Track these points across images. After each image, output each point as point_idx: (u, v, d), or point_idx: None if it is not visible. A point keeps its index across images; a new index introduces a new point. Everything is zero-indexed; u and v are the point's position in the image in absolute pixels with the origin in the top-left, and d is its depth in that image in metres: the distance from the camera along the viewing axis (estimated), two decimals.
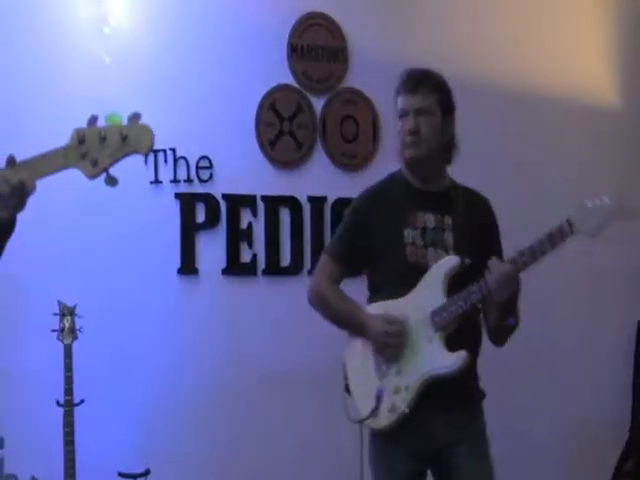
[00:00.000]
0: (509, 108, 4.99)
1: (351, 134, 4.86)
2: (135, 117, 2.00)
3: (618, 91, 5.30)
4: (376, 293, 3.21)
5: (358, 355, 3.19)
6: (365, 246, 3.20)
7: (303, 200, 4.74)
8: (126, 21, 4.49)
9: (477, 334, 3.19)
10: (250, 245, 4.64)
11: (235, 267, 4.62)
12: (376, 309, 3.15)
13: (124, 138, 1.99)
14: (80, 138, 2.00)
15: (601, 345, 5.16)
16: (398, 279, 3.11)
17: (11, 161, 2.06)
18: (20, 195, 2.03)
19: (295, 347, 4.63)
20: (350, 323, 3.21)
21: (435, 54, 4.87)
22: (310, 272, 4.69)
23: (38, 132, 4.14)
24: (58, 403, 3.91)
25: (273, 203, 4.69)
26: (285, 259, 4.71)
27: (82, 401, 3.94)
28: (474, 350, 3.14)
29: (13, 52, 4.32)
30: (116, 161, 2.00)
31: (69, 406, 3.92)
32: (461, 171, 3.27)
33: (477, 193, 3.28)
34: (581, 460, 5.02)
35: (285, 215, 4.71)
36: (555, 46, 5.16)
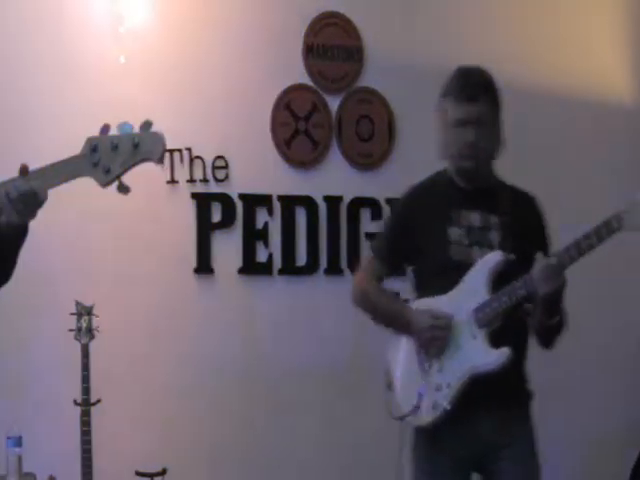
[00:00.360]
0: (523, 107, 4.96)
1: (367, 133, 4.86)
2: (147, 125, 2.01)
3: (635, 90, 5.28)
4: (421, 291, 3.19)
5: (402, 353, 3.16)
6: (408, 244, 3.17)
7: (319, 200, 4.75)
8: (141, 21, 4.49)
9: (523, 333, 3.13)
10: (266, 245, 4.65)
11: (251, 267, 4.63)
12: (419, 306, 3.12)
13: (136, 146, 2.00)
14: (92, 146, 2.01)
15: (617, 350, 5.14)
16: (442, 277, 3.08)
17: (24, 170, 2.08)
18: (32, 204, 2.05)
19: (311, 346, 4.65)
20: (395, 321, 3.17)
21: (450, 53, 4.87)
22: (326, 271, 4.72)
23: (53, 133, 4.19)
24: (75, 402, 3.94)
25: (289, 203, 4.70)
26: (301, 259, 4.72)
27: (99, 400, 3.96)
28: (520, 349, 3.08)
29: (27, 52, 4.33)
30: (128, 169, 2.02)
31: (86, 405, 3.94)
32: None
33: (524, 191, 3.22)
34: (596, 465, 4.98)
35: (301, 215, 4.72)
36: (571, 45, 5.15)
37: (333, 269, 4.74)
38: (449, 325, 3.03)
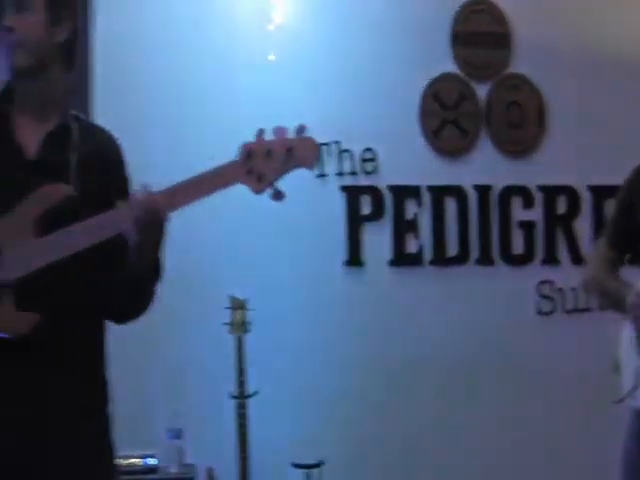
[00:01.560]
0: None
1: (516, 120, 4.77)
2: (300, 130, 2.01)
3: None
4: None
5: (627, 336, 3.00)
6: (632, 224, 3.02)
7: (469, 189, 4.70)
8: (289, 17, 4.53)
9: None
10: (416, 236, 4.64)
11: (401, 258, 4.63)
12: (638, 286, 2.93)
13: (289, 150, 2.00)
14: (247, 153, 2.02)
15: None
16: None
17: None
18: (155, 221, 2.07)
19: (465, 336, 4.60)
20: (617, 304, 3.00)
21: (597, 36, 4.75)
22: (478, 262, 4.68)
23: (206, 128, 4.29)
24: (232, 395, 4.01)
25: (438, 193, 4.66)
26: (451, 249, 4.68)
27: (255, 393, 4.03)
28: None
29: (178, 52, 4.43)
30: (281, 175, 2.02)
31: (242, 398, 4.02)
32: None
33: None
34: None
35: (451, 205, 4.68)
36: None
37: (485, 259, 4.69)
38: None
